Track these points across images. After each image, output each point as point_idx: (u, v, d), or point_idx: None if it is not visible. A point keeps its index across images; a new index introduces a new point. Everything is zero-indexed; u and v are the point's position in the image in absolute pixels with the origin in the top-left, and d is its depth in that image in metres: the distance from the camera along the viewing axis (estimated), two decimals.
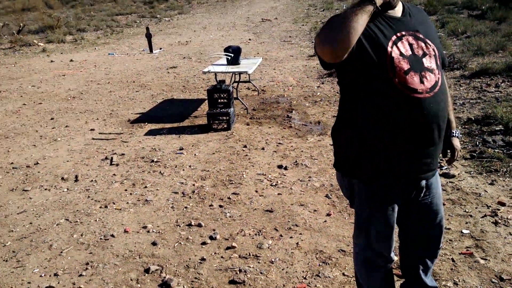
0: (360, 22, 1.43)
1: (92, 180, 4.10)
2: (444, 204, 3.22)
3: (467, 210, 3.21)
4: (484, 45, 8.12)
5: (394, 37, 1.58)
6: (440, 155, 1.87)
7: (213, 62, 7.15)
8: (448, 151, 1.95)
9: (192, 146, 4.89)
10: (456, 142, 1.93)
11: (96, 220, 3.35)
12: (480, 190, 3.50)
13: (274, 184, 3.86)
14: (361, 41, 1.51)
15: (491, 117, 4.86)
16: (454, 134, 1.94)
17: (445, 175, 3.76)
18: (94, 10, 22.75)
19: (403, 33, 1.61)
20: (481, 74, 6.73)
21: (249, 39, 13.27)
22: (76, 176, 4.18)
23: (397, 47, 1.57)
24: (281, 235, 3.04)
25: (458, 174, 3.80)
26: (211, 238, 3.04)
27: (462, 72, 7.06)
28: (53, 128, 5.79)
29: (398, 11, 1.66)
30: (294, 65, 9.25)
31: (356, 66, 1.56)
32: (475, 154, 4.14)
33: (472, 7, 12.95)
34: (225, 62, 6.44)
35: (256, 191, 3.73)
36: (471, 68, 7.11)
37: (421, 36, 1.64)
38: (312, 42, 11.86)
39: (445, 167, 3.88)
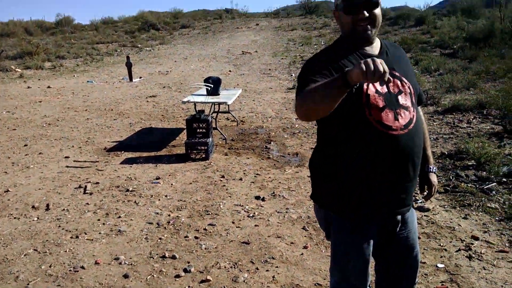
0: (331, 105, 1.41)
1: (64, 209, 3.98)
2: (419, 238, 3.23)
3: (441, 244, 3.24)
4: (456, 82, 8.43)
5: None
6: (418, 190, 1.89)
7: (193, 92, 7.18)
8: (426, 186, 1.96)
9: (169, 175, 4.83)
10: (433, 178, 1.94)
11: (66, 251, 3.23)
12: (454, 224, 3.55)
13: (251, 215, 3.82)
14: None
15: (463, 152, 4.99)
16: (431, 170, 1.94)
17: (419, 209, 3.80)
18: (75, 38, 22.72)
19: None
20: (453, 110, 6.96)
21: (230, 71, 13.44)
22: (48, 205, 4.05)
23: (373, 85, 1.61)
24: (257, 268, 2.99)
25: (433, 207, 3.85)
26: (185, 270, 2.96)
27: (436, 108, 7.29)
28: (26, 154, 5.65)
29: (375, 49, 1.71)
30: (273, 97, 9.38)
31: (334, 120, 1.61)
32: (448, 188, 4.22)
33: (444, 46, 13.52)
34: (205, 93, 6.48)
35: (233, 222, 3.69)
36: (444, 104, 7.35)
37: (397, 74, 1.68)
38: (291, 75, 12.09)
39: (420, 201, 3.93)
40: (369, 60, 1.29)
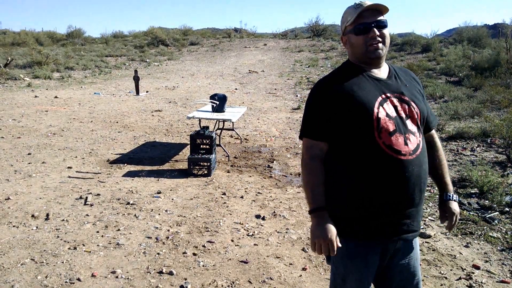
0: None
1: (63, 220, 3.97)
2: (420, 265, 3.20)
3: (442, 272, 3.20)
4: (460, 110, 8.45)
5: (380, 98, 1.64)
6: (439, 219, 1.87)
7: (198, 108, 7.23)
8: (446, 215, 1.83)
9: (170, 190, 4.82)
10: (454, 206, 1.83)
11: (63, 262, 3.21)
12: (455, 252, 3.51)
13: (251, 234, 3.79)
14: (345, 117, 1.62)
15: (466, 179, 4.97)
16: (451, 198, 1.84)
17: (421, 235, 3.76)
18: (85, 50, 23.00)
19: (388, 94, 1.66)
20: (457, 137, 6.96)
21: (235, 89, 13.53)
22: (47, 214, 4.04)
23: (383, 108, 1.62)
24: None
25: (434, 234, 3.81)
26: (182, 287, 2.93)
27: (440, 135, 7.28)
28: (29, 163, 5.67)
29: (383, 72, 1.73)
30: (277, 117, 9.41)
31: (342, 143, 1.67)
32: None
33: (450, 74, 13.60)
34: (210, 109, 6.52)
35: (232, 241, 3.66)
36: (448, 131, 7.35)
37: (405, 98, 1.69)
38: (296, 96, 12.16)
39: (421, 227, 3.89)
40: (318, 242, 1.61)
